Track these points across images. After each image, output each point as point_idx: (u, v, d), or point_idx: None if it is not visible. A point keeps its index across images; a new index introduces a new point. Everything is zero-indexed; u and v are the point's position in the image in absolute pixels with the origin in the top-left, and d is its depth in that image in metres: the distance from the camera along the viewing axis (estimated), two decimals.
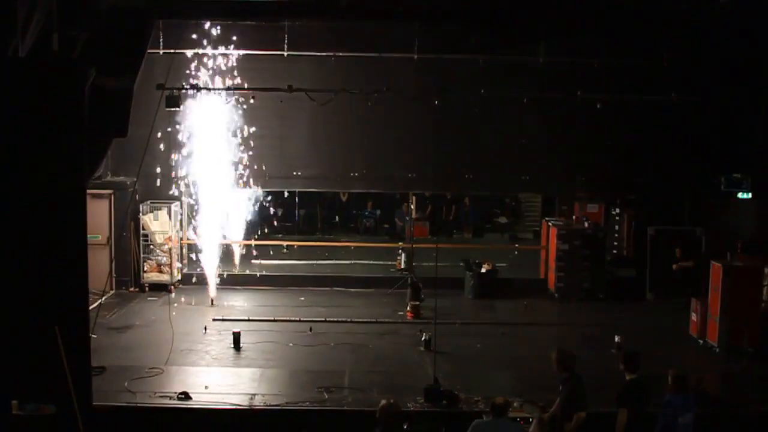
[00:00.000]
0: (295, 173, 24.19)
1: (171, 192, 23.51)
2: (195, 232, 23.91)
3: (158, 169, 23.17)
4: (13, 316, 13.06)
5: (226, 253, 24.97)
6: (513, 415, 12.52)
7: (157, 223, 23.93)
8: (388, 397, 11.22)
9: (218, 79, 22.87)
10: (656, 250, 24.09)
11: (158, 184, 23.32)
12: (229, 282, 24.23)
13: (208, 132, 23.09)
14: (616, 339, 18.87)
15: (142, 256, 23.82)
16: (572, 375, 12.50)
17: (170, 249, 23.87)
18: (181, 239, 24.66)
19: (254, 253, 26.90)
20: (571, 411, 12.20)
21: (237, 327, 19.42)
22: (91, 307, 14.97)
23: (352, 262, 26.63)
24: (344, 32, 22.79)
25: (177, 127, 22.95)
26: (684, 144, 23.45)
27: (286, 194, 27.63)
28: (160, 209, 23.92)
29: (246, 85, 22.71)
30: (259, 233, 27.06)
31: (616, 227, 26.03)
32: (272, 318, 21.09)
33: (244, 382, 16.39)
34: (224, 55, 23.12)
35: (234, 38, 22.93)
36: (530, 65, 23.37)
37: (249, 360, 18.08)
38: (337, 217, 32.29)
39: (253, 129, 23.53)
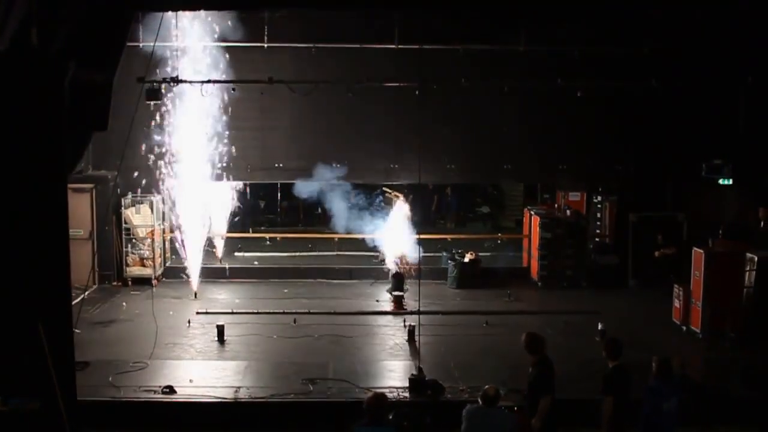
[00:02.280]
0: (276, 165, 24.14)
1: (152, 185, 23.53)
2: (177, 226, 23.88)
3: (139, 163, 23.14)
4: None
5: (209, 246, 24.99)
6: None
7: (139, 217, 23.89)
8: (373, 388, 11.22)
9: (198, 72, 22.78)
10: (638, 237, 24.18)
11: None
12: (213, 275, 24.24)
13: (188, 124, 23.05)
14: (600, 326, 18.94)
15: (124, 250, 23.78)
16: (540, 359, 12.51)
17: (153, 242, 23.84)
18: (164, 232, 24.63)
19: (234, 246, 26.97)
20: (537, 396, 12.22)
21: (221, 320, 19.42)
22: (74, 302, 14.93)
23: (336, 253, 26.62)
24: (324, 23, 22.74)
25: (157, 119, 22.92)
26: (665, 131, 23.50)
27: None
28: (141, 203, 23.87)
29: (226, 77, 22.67)
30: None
31: (598, 215, 26.10)
32: (256, 310, 21.09)
33: (228, 375, 16.38)
34: (204, 47, 23.06)
35: (214, 30, 22.88)
36: (511, 54, 23.35)
37: (233, 353, 18.09)
38: (319, 209, 32.22)
39: (234, 121, 23.48)
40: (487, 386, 11.77)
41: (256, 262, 26.19)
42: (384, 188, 26.28)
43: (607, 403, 11.99)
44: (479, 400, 11.63)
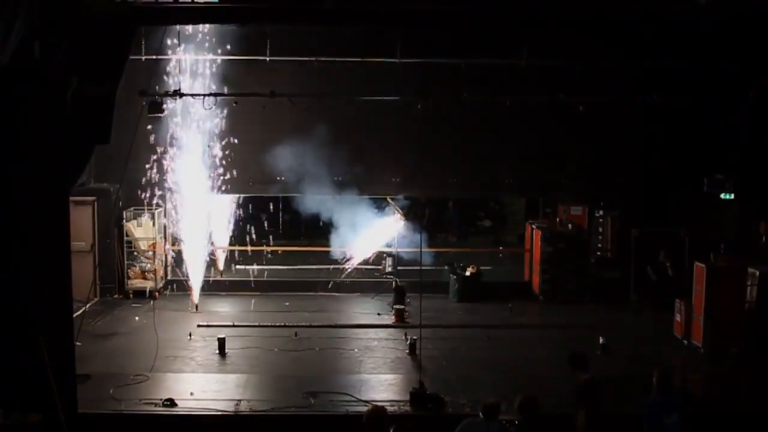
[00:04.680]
0: (278, 178, 24.12)
1: (154, 199, 23.57)
2: (178, 238, 23.91)
3: (141, 176, 23.19)
4: None
5: (210, 259, 25.03)
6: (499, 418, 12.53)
7: (141, 230, 23.90)
8: (374, 401, 11.21)
9: (201, 85, 22.83)
10: (640, 251, 24.15)
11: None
12: (214, 288, 24.23)
13: (190, 138, 23.08)
14: (601, 341, 18.93)
15: (126, 262, 23.78)
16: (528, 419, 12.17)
17: (154, 255, 23.84)
18: (165, 245, 24.64)
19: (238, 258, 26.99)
20: None
21: (222, 333, 19.40)
22: (75, 315, 14.95)
23: (337, 266, 26.59)
24: (327, 37, 22.75)
25: (159, 132, 22.96)
26: (667, 145, 23.50)
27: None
28: (143, 216, 23.89)
29: (228, 91, 22.69)
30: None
31: (600, 229, 26.08)
32: (257, 323, 21.09)
33: (229, 388, 16.34)
34: (206, 60, 23.11)
35: (216, 44, 22.93)
36: (512, 69, 23.31)
37: (234, 366, 18.07)
38: (321, 222, 32.18)
39: (235, 134, 23.51)
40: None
41: (269, 258, 26.30)
42: (389, 199, 26.22)
43: (580, 417, 12.03)
44: (480, 411, 11.64)
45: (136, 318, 21.66)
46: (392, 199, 25.89)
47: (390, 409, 14.27)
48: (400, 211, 25.15)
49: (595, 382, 12.46)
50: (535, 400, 11.89)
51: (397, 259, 25.08)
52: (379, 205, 26.70)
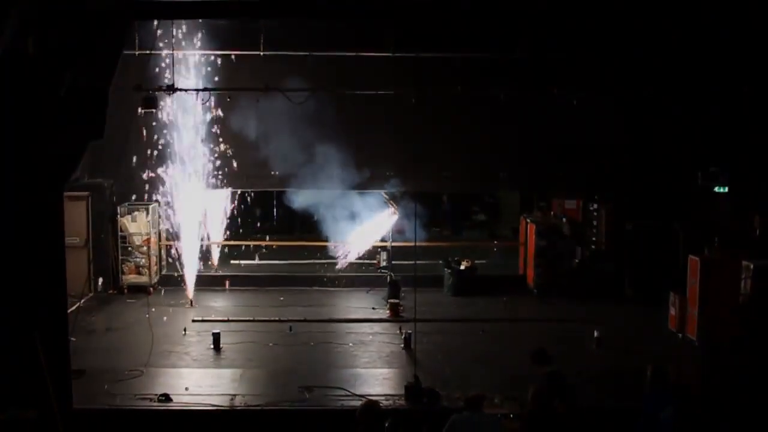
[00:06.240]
0: (273, 173, 24.09)
1: (147, 193, 23.55)
2: (173, 233, 23.88)
3: (135, 171, 23.16)
4: None
5: (205, 254, 25.02)
6: (494, 412, 12.55)
7: (135, 225, 23.87)
8: (369, 396, 11.22)
9: (194, 80, 22.79)
10: (634, 245, 24.14)
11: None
12: (208, 282, 24.21)
13: (184, 132, 23.06)
14: (596, 334, 18.95)
15: (120, 257, 23.75)
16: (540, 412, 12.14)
17: (148, 250, 23.82)
18: (160, 240, 24.61)
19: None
20: None
21: (216, 328, 19.40)
22: (69, 310, 14.93)
23: (331, 261, 26.56)
24: (320, 31, 22.71)
25: (153, 127, 22.92)
26: (661, 139, 23.50)
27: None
28: (137, 211, 23.85)
29: (222, 85, 22.65)
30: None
31: (594, 223, 26.08)
32: (252, 318, 21.08)
33: (224, 382, 16.37)
34: (200, 55, 23.07)
35: (210, 38, 22.90)
36: (506, 62, 23.28)
37: (229, 361, 18.07)
38: (315, 216, 32.16)
39: (229, 129, 23.48)
40: None
41: (264, 253, 26.38)
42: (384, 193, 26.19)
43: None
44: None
45: (136, 313, 21.67)
46: (386, 192, 25.87)
47: (385, 403, 14.34)
48: (394, 204, 25.11)
49: (558, 375, 12.44)
50: (547, 392, 11.96)
51: (392, 253, 25.04)
52: (373, 199, 26.68)
